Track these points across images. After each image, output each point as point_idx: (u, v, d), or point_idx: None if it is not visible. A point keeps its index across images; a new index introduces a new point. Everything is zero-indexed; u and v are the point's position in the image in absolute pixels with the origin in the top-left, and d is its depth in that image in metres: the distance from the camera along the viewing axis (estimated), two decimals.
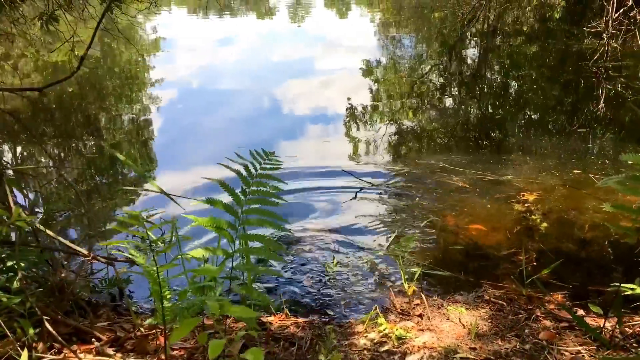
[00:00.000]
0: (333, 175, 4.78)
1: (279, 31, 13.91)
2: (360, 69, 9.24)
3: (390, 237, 3.67)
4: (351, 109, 6.91)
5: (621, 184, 2.09)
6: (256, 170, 2.16)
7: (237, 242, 2.06)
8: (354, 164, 5.13)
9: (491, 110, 6.81)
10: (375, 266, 3.35)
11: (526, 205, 3.94)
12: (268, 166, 2.19)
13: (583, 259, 3.33)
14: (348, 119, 6.60)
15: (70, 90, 8.20)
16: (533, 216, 3.79)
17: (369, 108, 7.05)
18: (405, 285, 2.87)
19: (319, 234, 3.80)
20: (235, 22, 15.32)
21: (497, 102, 7.29)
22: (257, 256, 3.13)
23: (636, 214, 1.94)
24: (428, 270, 3.23)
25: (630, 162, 2.01)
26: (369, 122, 6.49)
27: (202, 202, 2.15)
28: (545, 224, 3.69)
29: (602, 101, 6.62)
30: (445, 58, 10.16)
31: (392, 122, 6.45)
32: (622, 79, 7.45)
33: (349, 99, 7.21)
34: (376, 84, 8.42)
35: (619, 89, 7.05)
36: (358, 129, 6.22)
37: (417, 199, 4.23)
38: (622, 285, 2.40)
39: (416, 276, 2.99)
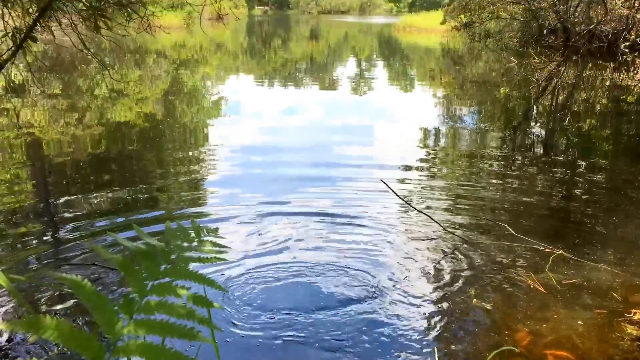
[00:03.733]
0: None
1: (341, 100, 13.59)
2: (420, 139, 8.66)
3: None
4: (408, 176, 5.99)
5: None
6: (166, 263, 1.16)
7: None
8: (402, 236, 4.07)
9: (576, 192, 5.56)
10: None
11: None
12: (197, 255, 1.18)
13: None
14: (404, 188, 5.78)
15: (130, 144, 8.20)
16: None
17: (425, 173, 6.41)
18: None
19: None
20: (299, 92, 15.24)
21: (581, 183, 6.10)
22: None
23: None
24: None
25: None
26: (424, 191, 5.49)
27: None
28: None
29: None
30: (511, 132, 9.10)
31: (447, 195, 5.37)
32: None
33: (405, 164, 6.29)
34: (435, 155, 7.47)
35: None
36: (410, 197, 5.28)
37: (474, 300, 3.08)
38: None
39: None
